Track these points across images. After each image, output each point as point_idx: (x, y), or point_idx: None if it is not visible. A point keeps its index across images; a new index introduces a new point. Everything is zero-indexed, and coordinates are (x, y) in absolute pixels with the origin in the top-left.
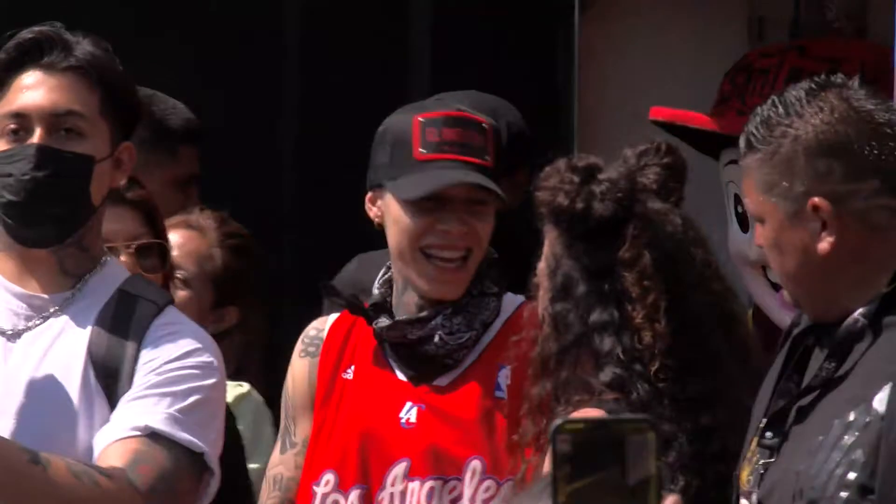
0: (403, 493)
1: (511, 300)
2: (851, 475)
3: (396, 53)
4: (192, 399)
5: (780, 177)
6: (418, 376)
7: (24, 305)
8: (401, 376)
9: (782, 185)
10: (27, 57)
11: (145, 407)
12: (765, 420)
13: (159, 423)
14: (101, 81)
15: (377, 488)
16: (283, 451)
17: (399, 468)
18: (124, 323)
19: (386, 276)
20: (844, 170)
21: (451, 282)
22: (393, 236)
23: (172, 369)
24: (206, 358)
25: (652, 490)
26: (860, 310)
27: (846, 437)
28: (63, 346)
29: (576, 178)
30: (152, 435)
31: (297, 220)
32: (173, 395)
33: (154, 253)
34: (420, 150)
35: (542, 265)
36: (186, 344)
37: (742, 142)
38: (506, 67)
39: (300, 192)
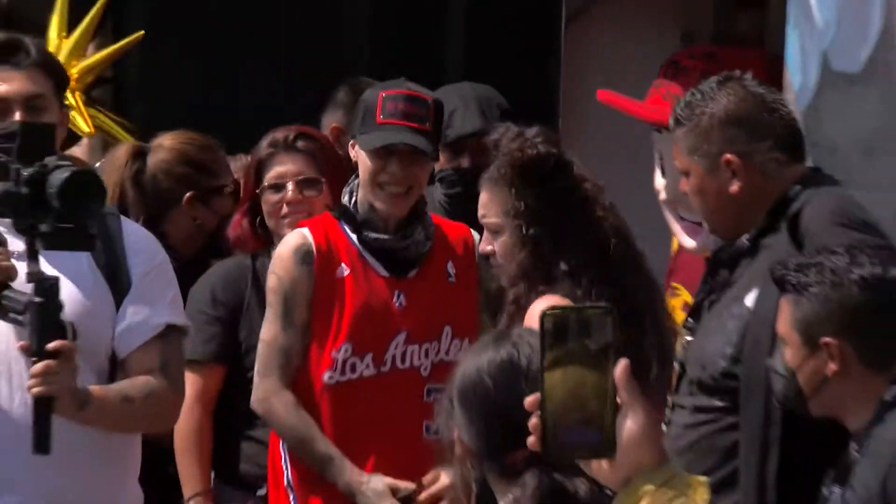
0: (404, 354)
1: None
2: (728, 349)
3: (434, 59)
4: (173, 288)
5: (700, 142)
6: (398, 272)
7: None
8: (383, 272)
9: (703, 147)
10: None
11: (154, 305)
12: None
13: (171, 316)
14: (52, 72)
15: (382, 352)
16: (284, 329)
17: (400, 337)
18: (106, 235)
19: (346, 196)
20: (746, 135)
21: (397, 206)
22: (361, 173)
23: (158, 268)
24: (163, 251)
25: (611, 354)
26: (746, 234)
27: (728, 324)
28: (68, 256)
29: (525, 135)
30: (168, 328)
31: None
32: (165, 288)
33: (313, 185)
34: (380, 116)
35: (498, 213)
36: (153, 244)
37: (672, 120)
38: (511, 64)
39: None
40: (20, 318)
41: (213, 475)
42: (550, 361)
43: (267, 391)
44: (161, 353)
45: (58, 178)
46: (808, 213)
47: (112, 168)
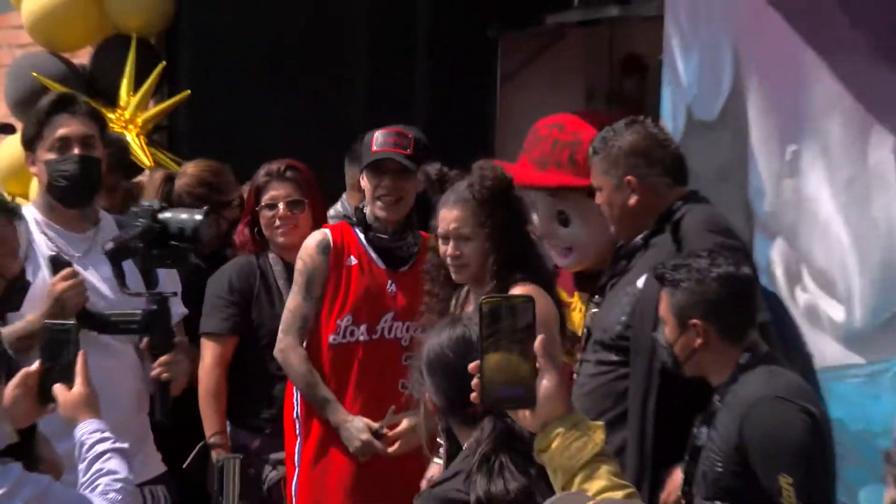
0: (391, 328)
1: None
2: (622, 318)
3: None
4: (179, 287)
5: (610, 166)
6: (393, 266)
7: (75, 237)
8: (381, 265)
9: (612, 171)
10: (59, 107)
11: (174, 299)
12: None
13: (182, 308)
14: (98, 119)
15: (375, 325)
16: (304, 300)
17: (389, 315)
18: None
19: (359, 208)
20: (643, 163)
21: (391, 212)
22: (366, 193)
23: (171, 271)
24: None
25: (532, 332)
26: (640, 235)
27: (623, 299)
28: (102, 259)
29: (485, 165)
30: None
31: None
32: (176, 286)
33: (299, 205)
34: (374, 147)
35: (471, 224)
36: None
37: (590, 150)
38: (452, 111)
39: None
40: (133, 327)
41: (227, 422)
42: (486, 336)
43: (286, 345)
44: (181, 332)
45: (177, 218)
46: (687, 221)
47: (150, 189)
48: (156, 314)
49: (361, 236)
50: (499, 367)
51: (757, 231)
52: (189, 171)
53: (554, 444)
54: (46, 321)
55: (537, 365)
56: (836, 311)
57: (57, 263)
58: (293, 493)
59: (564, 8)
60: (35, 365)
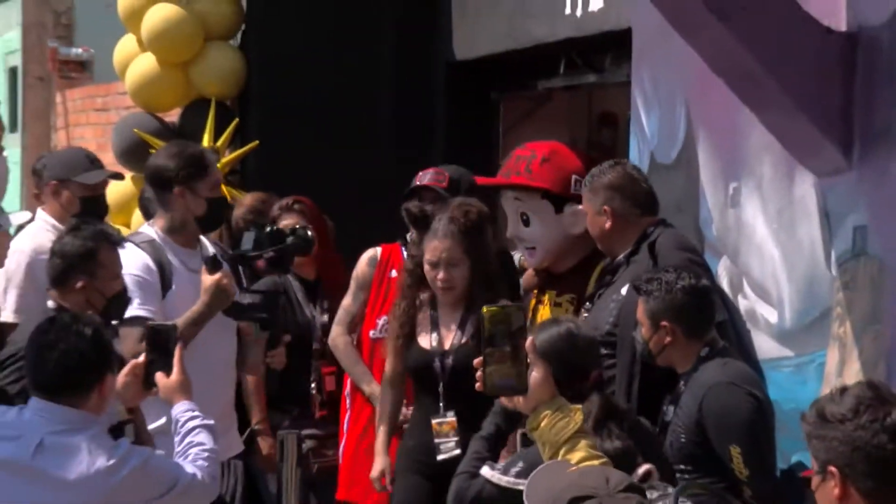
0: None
1: None
2: (610, 319)
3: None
4: None
5: (593, 197)
6: None
7: (189, 251)
8: None
9: (594, 200)
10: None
11: None
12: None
13: None
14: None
15: None
16: (354, 301)
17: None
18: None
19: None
20: (619, 195)
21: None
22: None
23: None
24: None
25: (523, 333)
26: (622, 254)
27: (611, 304)
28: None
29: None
30: None
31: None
32: None
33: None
34: (417, 182)
35: (461, 253)
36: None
37: (584, 182)
38: (465, 158)
39: None
40: (258, 315)
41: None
42: (487, 337)
43: (336, 334)
44: None
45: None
46: (660, 241)
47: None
48: (273, 308)
49: (405, 253)
50: (497, 361)
51: (707, 251)
52: (245, 201)
53: (542, 424)
54: (150, 322)
55: (528, 360)
56: (770, 314)
57: (214, 263)
58: (340, 456)
59: (552, 76)
60: (141, 357)
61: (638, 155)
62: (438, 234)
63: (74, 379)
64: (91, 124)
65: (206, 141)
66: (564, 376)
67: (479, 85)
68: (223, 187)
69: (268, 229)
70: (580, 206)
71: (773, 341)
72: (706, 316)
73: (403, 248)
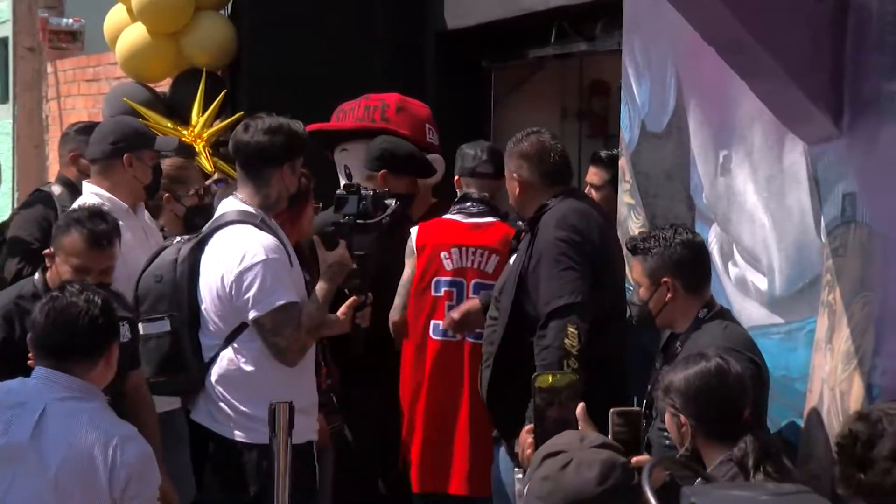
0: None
1: None
2: (501, 284)
3: None
4: None
5: (509, 161)
6: None
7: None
8: None
9: (509, 166)
10: None
11: None
12: None
13: None
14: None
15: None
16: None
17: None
18: None
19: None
20: (527, 164)
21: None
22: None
23: None
24: None
25: (576, 399)
26: (524, 224)
27: (506, 274)
28: None
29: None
30: None
31: None
32: None
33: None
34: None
35: None
36: None
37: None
38: (456, 128)
39: None
40: (355, 281)
41: None
42: (538, 411)
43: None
44: None
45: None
46: (546, 216)
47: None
48: (365, 271)
49: None
50: (551, 422)
51: (697, 219)
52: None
53: None
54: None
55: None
56: (760, 282)
57: (327, 237)
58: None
59: (543, 44)
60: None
61: (629, 123)
62: None
63: (84, 342)
64: (82, 95)
65: (194, 111)
66: (715, 415)
67: (471, 54)
68: (210, 159)
69: (363, 192)
70: (437, 156)
71: (763, 308)
72: (704, 270)
73: None
